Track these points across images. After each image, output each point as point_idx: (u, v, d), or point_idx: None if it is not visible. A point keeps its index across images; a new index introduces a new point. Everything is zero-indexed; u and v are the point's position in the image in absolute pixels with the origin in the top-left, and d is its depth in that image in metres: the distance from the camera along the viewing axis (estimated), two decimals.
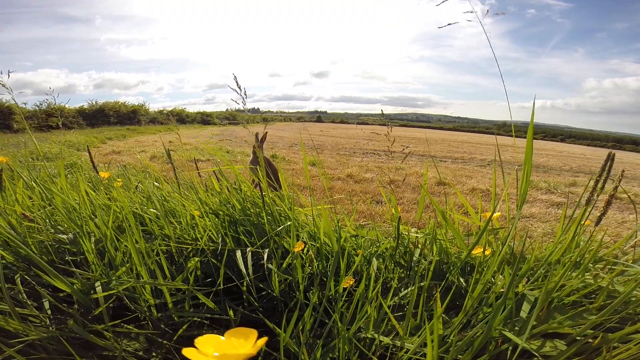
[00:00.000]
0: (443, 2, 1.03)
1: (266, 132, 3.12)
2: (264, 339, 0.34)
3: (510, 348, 0.65)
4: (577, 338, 0.68)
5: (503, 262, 0.91)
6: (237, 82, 1.28)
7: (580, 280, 0.82)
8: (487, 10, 1.04)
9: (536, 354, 0.66)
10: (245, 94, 1.28)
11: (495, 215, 1.01)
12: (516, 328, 0.71)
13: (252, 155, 3.14)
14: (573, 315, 0.73)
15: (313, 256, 1.20)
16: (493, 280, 0.88)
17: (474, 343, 0.66)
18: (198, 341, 0.34)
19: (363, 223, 1.98)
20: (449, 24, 1.10)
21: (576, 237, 0.90)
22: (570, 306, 0.81)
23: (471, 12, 0.96)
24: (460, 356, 0.70)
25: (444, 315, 0.89)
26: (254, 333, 0.35)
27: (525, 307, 0.75)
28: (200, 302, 1.02)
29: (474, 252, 0.90)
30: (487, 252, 0.92)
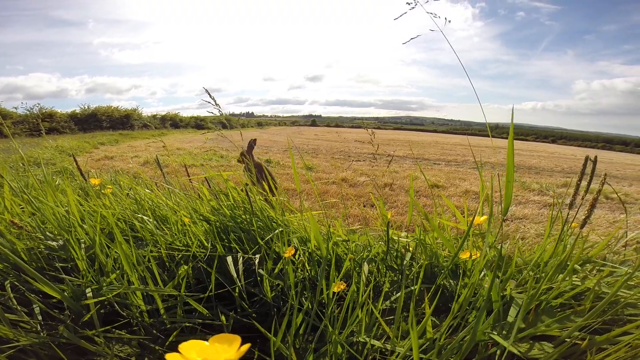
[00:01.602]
0: (401, 15, 1.03)
1: (255, 139, 3.09)
2: (247, 345, 0.34)
3: (499, 351, 0.66)
4: (566, 340, 0.69)
5: (492, 265, 0.92)
6: (209, 94, 1.33)
7: (568, 283, 0.83)
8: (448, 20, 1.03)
9: (523, 357, 0.67)
10: (218, 105, 1.32)
11: (482, 218, 1.02)
12: (504, 332, 0.72)
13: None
14: (561, 318, 0.74)
15: (305, 261, 1.21)
16: (481, 283, 0.89)
17: (462, 346, 0.67)
18: (182, 347, 0.34)
19: (357, 227, 1.99)
20: (411, 39, 1.11)
21: (563, 240, 0.92)
22: (558, 308, 0.82)
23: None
24: (450, 359, 0.71)
25: (434, 319, 0.89)
26: (237, 339, 0.35)
27: (513, 310, 0.76)
28: (193, 307, 1.02)
29: (462, 255, 0.91)
30: (476, 255, 0.93)
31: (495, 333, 0.71)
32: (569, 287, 0.85)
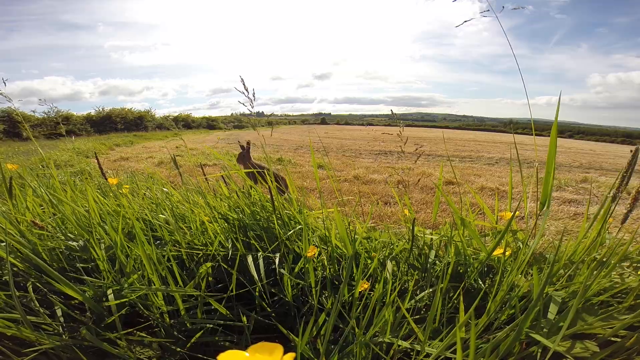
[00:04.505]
0: None
1: (249, 141, 3.12)
2: (291, 355, 0.31)
3: (539, 350, 0.62)
4: (616, 340, 0.65)
5: (531, 263, 0.88)
6: (244, 84, 1.26)
7: (608, 280, 0.79)
8: (502, 7, 1.01)
9: (567, 356, 0.63)
10: (254, 95, 1.26)
11: (515, 214, 0.98)
12: (545, 330, 0.68)
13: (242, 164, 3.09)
14: (606, 316, 0.69)
15: (325, 260, 1.18)
16: (518, 282, 0.85)
17: (499, 346, 0.63)
18: (221, 358, 0.31)
19: (373, 225, 1.95)
20: (465, 22, 1.07)
21: (601, 235, 0.87)
22: (597, 306, 0.78)
23: (484, 11, 0.95)
24: (482, 359, 0.68)
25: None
26: (279, 348, 0.32)
27: (553, 308, 0.72)
28: (213, 307, 1.00)
29: (494, 253, 0.87)
30: (507, 253, 0.89)
31: (534, 332, 0.68)
32: (608, 284, 0.80)
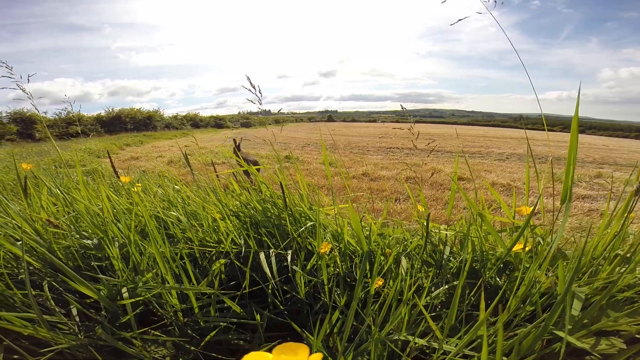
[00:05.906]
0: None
1: (241, 138, 3.49)
2: (318, 355, 0.30)
3: (563, 348, 0.60)
4: (637, 336, 0.63)
5: (556, 259, 0.85)
6: (250, 82, 1.26)
7: (632, 276, 0.76)
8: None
9: (593, 353, 0.61)
10: (261, 93, 1.26)
11: (530, 209, 0.96)
12: (569, 327, 0.66)
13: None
14: (632, 312, 0.67)
15: (338, 257, 1.17)
16: (539, 278, 0.83)
17: (521, 343, 0.61)
18: None
19: (384, 221, 1.93)
20: (459, 20, 1.06)
21: (623, 230, 0.84)
22: (622, 303, 0.75)
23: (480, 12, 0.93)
24: (504, 358, 0.66)
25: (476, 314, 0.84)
26: (304, 348, 0.30)
27: (577, 305, 0.69)
28: (226, 305, 1.00)
29: (513, 248, 0.85)
30: (527, 249, 0.87)
31: (557, 329, 0.66)
32: (632, 280, 0.77)
